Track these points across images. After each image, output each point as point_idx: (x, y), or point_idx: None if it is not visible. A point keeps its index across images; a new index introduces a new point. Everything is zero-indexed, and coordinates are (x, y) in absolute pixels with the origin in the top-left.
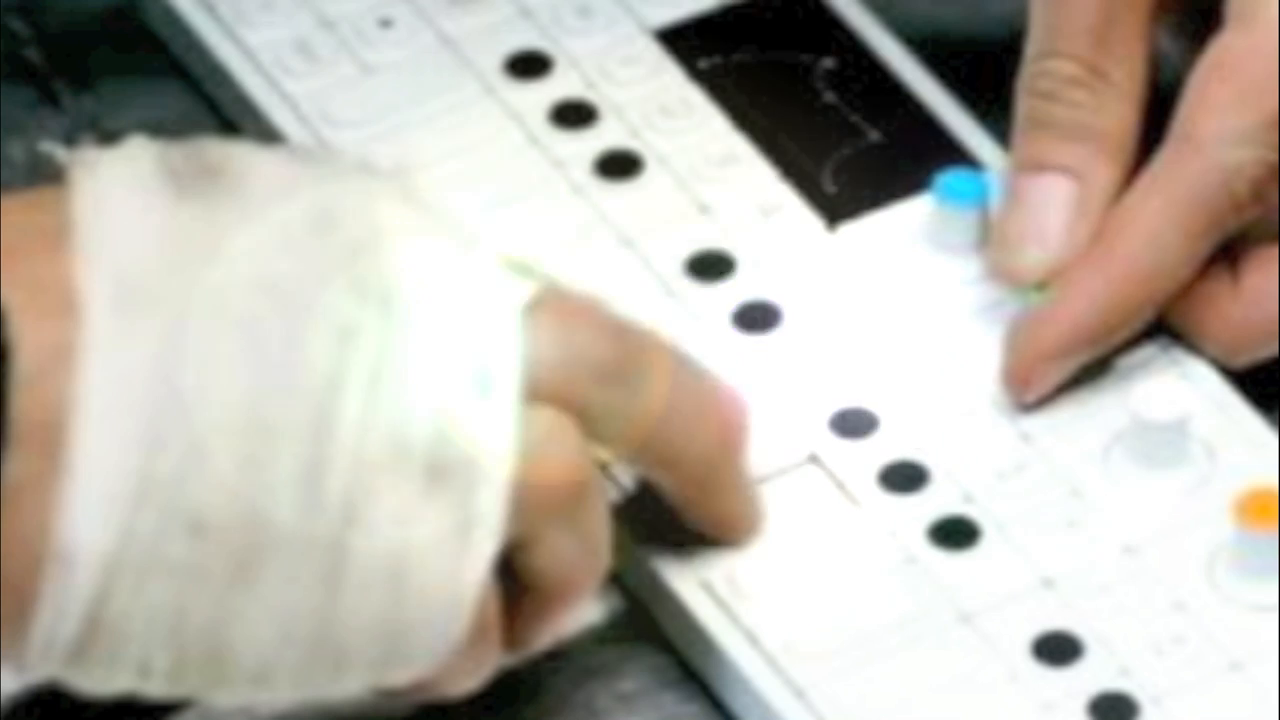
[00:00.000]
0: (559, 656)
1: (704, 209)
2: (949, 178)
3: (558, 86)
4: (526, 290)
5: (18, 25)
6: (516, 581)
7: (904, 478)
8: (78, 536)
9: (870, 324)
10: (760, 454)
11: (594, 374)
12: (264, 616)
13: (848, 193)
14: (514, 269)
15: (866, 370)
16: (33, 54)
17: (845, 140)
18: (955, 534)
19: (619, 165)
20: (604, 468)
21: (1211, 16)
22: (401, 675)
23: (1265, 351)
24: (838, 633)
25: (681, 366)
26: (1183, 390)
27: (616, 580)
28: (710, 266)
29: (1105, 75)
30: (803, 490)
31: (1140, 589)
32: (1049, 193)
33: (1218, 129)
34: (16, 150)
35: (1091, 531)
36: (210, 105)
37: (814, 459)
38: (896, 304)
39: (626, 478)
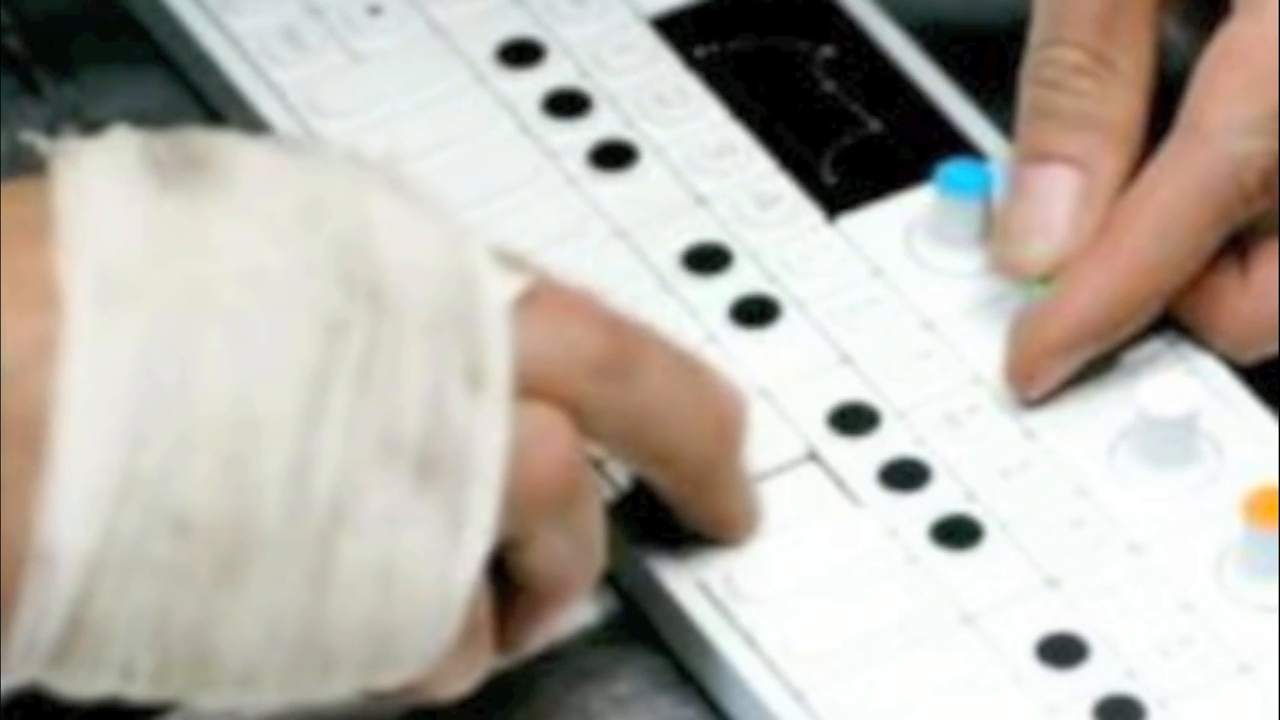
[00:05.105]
0: (552, 658)
1: (701, 200)
2: (951, 168)
3: (551, 75)
4: (518, 284)
5: None
6: (509, 581)
7: (905, 475)
8: (59, 535)
9: (870, 318)
10: (758, 451)
11: (588, 369)
12: (250, 617)
13: (847, 184)
14: (506, 262)
15: (867, 365)
16: (13, 42)
17: (845, 130)
18: (957, 533)
19: (613, 156)
20: (598, 465)
21: (1219, 4)
22: (391, 677)
23: (1274, 346)
24: (837, 634)
25: (678, 361)
26: (1190, 386)
27: (611, 580)
28: (707, 259)
29: (1111, 64)
30: (802, 488)
31: (1147, 589)
32: (1053, 184)
33: (1226, 119)
34: None
35: (1097, 530)
36: (195, 94)
37: (813, 456)
38: (897, 297)
39: (621, 475)
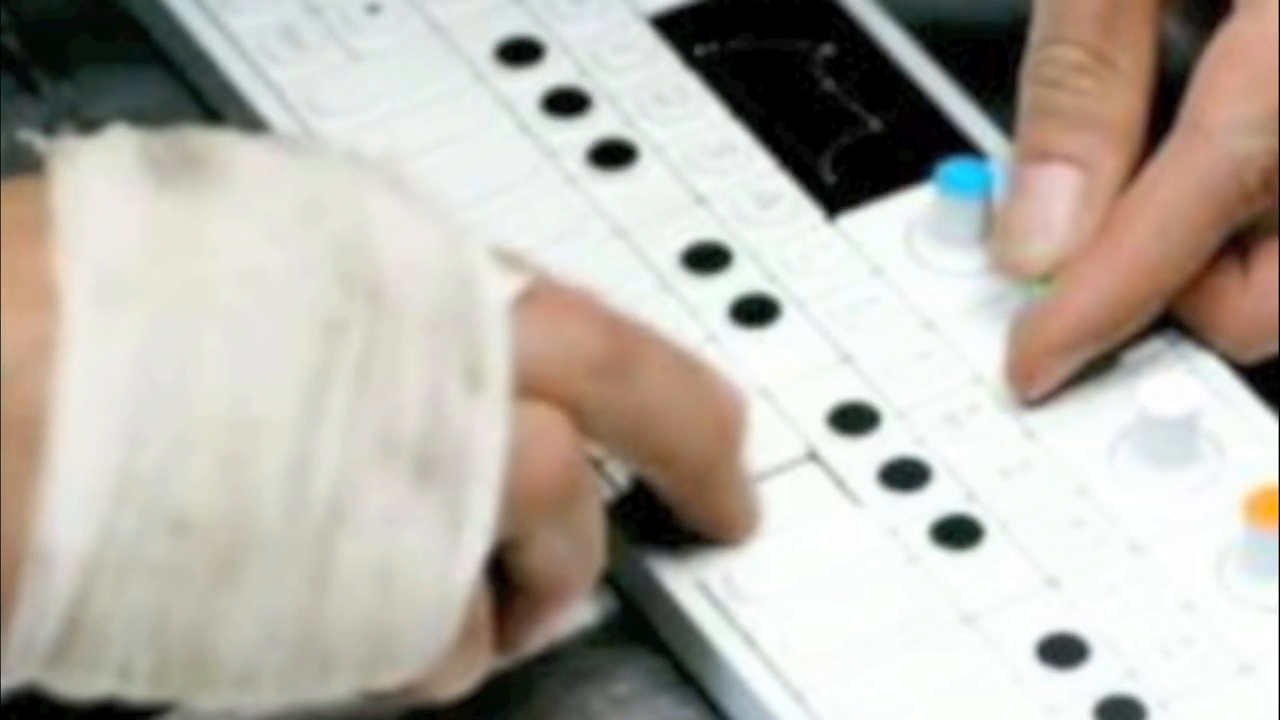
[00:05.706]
0: (551, 659)
1: (700, 199)
2: (951, 167)
3: (550, 74)
4: (518, 283)
5: None
6: (508, 582)
7: (905, 475)
8: (57, 535)
9: (870, 317)
10: (758, 451)
11: (587, 369)
12: (248, 617)
13: (847, 183)
14: (505, 261)
15: (867, 365)
16: (11, 41)
17: (845, 129)
18: (958, 533)
19: (613, 155)
20: (597, 465)
21: (1220, 3)
22: (389, 678)
23: (1275, 346)
24: (837, 634)
25: (677, 361)
26: (1191, 385)
27: (610, 581)
28: (707, 258)
29: (1112, 62)
30: (801, 488)
31: (1147, 589)
32: (1054, 183)
33: (1227, 117)
34: None
35: (1097, 530)
36: (193, 93)
37: (813, 456)
38: (897, 297)
39: (620, 475)
